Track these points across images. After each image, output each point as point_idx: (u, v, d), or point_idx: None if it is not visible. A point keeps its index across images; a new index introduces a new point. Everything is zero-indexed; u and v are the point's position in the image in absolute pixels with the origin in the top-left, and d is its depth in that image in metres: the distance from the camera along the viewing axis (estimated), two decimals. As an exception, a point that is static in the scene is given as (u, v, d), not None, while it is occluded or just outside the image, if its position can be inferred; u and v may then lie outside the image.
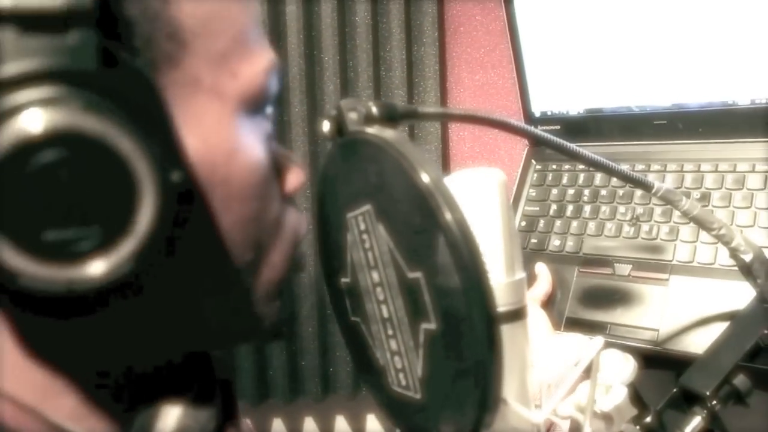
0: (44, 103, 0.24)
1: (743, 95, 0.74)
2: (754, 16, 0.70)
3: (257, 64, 0.33)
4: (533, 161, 0.90)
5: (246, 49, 0.33)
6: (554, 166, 0.88)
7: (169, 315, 0.33)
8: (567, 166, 0.86)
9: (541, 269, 0.76)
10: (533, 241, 0.82)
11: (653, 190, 0.50)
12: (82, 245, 0.26)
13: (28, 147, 0.24)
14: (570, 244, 0.80)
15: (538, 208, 0.85)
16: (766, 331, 0.55)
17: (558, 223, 0.82)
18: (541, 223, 0.83)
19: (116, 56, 0.27)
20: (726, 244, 0.54)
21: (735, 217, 0.70)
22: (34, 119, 0.24)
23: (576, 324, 0.72)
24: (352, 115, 0.37)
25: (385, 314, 0.38)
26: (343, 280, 0.42)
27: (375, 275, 0.37)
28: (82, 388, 0.32)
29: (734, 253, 0.54)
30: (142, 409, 0.34)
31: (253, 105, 0.33)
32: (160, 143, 0.27)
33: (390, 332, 0.38)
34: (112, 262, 0.26)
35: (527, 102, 0.91)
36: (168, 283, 0.31)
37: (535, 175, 0.89)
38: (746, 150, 0.74)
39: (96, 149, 0.25)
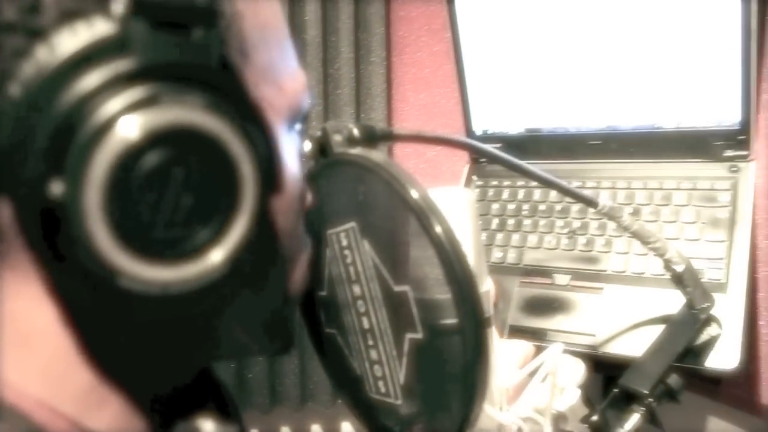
0: (166, 98, 0.23)
1: (669, 120, 0.80)
2: (680, 51, 0.76)
3: (298, 79, 0.33)
4: (474, 177, 0.93)
5: (288, 62, 0.33)
6: (495, 182, 0.90)
7: (210, 318, 0.32)
8: (507, 182, 0.89)
9: (486, 280, 0.80)
10: (477, 253, 0.85)
11: (599, 207, 0.54)
12: (184, 245, 0.25)
13: (151, 140, 0.23)
14: (511, 256, 0.82)
15: (480, 222, 0.88)
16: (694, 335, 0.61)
17: (499, 236, 0.85)
18: (483, 236, 0.86)
19: (229, 59, 0.26)
20: (661, 256, 0.58)
21: (663, 230, 0.74)
22: (156, 114, 0.23)
23: (518, 331, 0.75)
24: (337, 137, 0.39)
25: (366, 325, 0.39)
26: (319, 293, 0.43)
27: (356, 289, 0.39)
28: (125, 398, 0.30)
29: (667, 264, 0.59)
30: (173, 425, 0.33)
31: (292, 119, 0.33)
32: (266, 146, 0.27)
33: (370, 342, 0.39)
34: (214, 261, 0.25)
35: (469, 121, 0.94)
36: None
37: (477, 190, 0.91)
38: (672, 169, 0.79)
39: (210, 149, 0.24)
